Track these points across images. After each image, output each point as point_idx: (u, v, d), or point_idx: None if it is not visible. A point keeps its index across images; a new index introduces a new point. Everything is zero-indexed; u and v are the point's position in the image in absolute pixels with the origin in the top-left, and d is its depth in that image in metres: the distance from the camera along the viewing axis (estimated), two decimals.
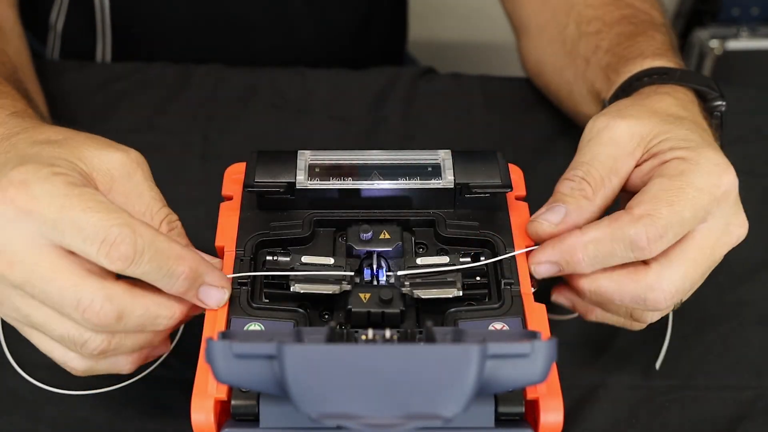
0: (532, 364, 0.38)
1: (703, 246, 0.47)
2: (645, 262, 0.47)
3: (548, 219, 0.48)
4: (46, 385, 0.53)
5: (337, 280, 0.46)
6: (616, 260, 0.46)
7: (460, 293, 0.47)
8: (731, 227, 0.48)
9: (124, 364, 0.46)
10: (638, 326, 0.51)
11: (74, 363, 0.45)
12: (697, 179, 0.46)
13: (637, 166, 0.49)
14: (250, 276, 0.47)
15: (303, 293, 0.46)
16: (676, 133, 0.48)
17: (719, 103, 0.55)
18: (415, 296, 0.46)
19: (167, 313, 0.44)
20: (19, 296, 0.43)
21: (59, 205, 0.41)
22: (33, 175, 0.42)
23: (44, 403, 0.52)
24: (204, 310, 0.46)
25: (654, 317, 0.50)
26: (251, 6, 0.82)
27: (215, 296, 0.45)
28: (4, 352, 0.54)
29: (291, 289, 0.46)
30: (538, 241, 0.48)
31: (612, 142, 0.49)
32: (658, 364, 0.54)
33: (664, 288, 0.46)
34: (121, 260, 0.41)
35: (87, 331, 0.43)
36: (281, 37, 0.85)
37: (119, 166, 0.45)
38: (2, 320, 0.56)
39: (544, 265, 0.47)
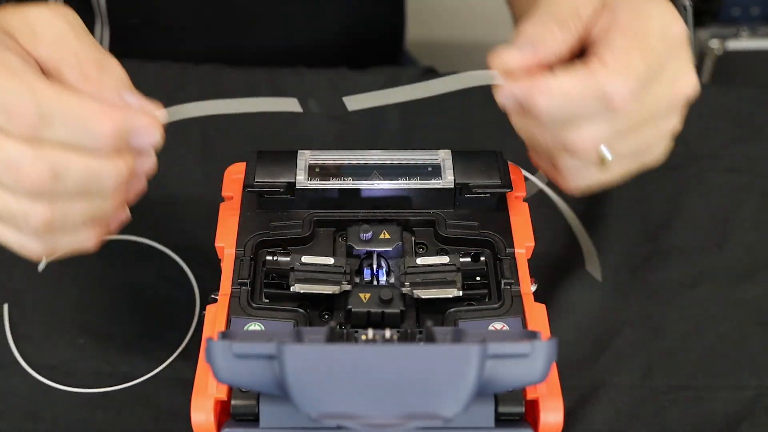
0: (532, 364, 0.38)
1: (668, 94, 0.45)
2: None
3: (515, 50, 0.45)
4: (53, 381, 0.53)
5: (337, 281, 0.46)
6: (582, 118, 0.44)
7: (460, 293, 0.47)
8: (684, 76, 0.46)
9: (84, 239, 0.44)
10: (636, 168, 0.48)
11: (30, 245, 0.43)
12: (654, 29, 0.44)
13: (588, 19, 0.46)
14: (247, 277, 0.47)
15: (303, 293, 0.46)
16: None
17: None
18: (415, 296, 0.46)
19: (109, 169, 0.41)
20: None
21: None
22: None
23: (44, 403, 0.52)
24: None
25: (656, 152, 0.48)
26: (249, 1, 0.82)
27: (148, 140, 0.43)
28: (5, 351, 0.54)
29: (291, 289, 0.46)
30: (505, 75, 0.46)
31: None
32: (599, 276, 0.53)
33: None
34: (26, 127, 0.39)
35: (25, 200, 0.40)
36: (278, 32, 0.85)
37: (42, 20, 0.43)
38: (9, 320, 0.56)
39: (507, 94, 0.45)
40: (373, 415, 0.37)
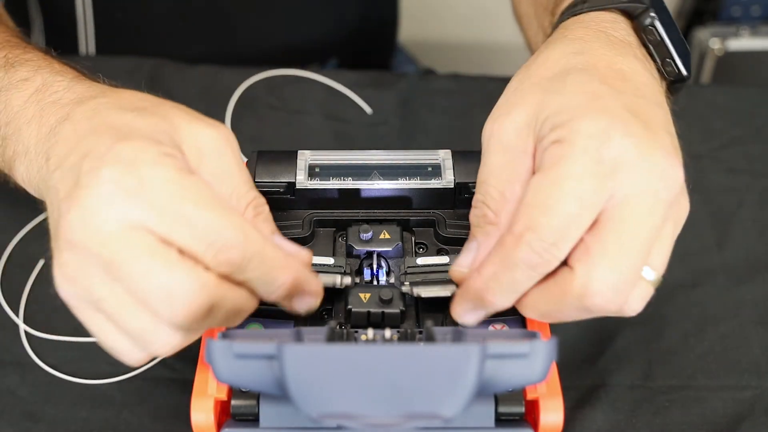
0: (532, 364, 0.38)
1: (623, 227, 0.40)
2: (566, 263, 0.41)
3: (461, 263, 0.44)
4: (53, 380, 0.53)
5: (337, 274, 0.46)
6: (528, 283, 0.41)
7: None
8: (659, 191, 0.40)
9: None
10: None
11: (135, 355, 0.41)
12: (573, 165, 0.40)
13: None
14: None
15: None
16: (556, 103, 0.42)
17: (649, 16, 0.48)
18: (415, 294, 0.46)
19: (250, 308, 0.41)
20: (99, 275, 0.39)
21: (170, 194, 0.38)
22: (142, 154, 0.39)
23: (44, 403, 0.52)
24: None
25: (632, 309, 0.42)
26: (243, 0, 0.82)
27: (308, 303, 0.43)
28: (5, 351, 0.55)
29: None
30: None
31: (501, 149, 0.43)
32: None
33: (596, 291, 0.40)
34: (227, 265, 0.39)
35: (162, 326, 0.39)
36: (275, 31, 0.84)
37: (209, 142, 0.42)
38: (24, 323, 0.56)
39: (467, 315, 0.44)
40: (373, 414, 0.37)
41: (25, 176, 0.46)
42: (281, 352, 0.37)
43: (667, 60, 0.49)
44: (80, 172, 0.39)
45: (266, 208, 0.44)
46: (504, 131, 0.44)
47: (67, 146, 0.41)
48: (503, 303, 0.43)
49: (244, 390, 0.43)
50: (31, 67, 0.48)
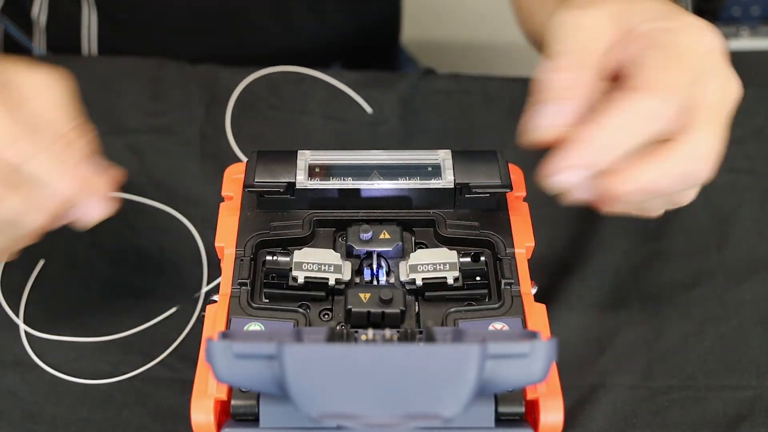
0: (532, 364, 0.38)
1: (714, 105, 0.44)
2: (665, 142, 0.43)
3: (547, 119, 0.44)
4: (53, 380, 0.53)
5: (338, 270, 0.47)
6: (643, 141, 0.43)
7: (460, 279, 0.47)
8: (728, 84, 0.46)
9: None
10: (666, 208, 0.48)
11: None
12: (688, 43, 0.44)
13: (613, 48, 0.45)
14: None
15: (303, 285, 0.46)
16: (647, 6, 0.46)
17: None
18: (415, 282, 0.46)
19: (29, 220, 0.45)
20: None
21: None
22: None
23: (44, 403, 0.52)
24: None
25: (691, 196, 0.47)
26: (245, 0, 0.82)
27: (94, 212, 0.47)
28: (5, 351, 0.55)
29: (290, 277, 0.46)
30: (541, 147, 0.44)
31: (581, 27, 0.45)
32: None
33: (703, 152, 0.43)
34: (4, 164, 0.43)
35: None
36: (274, 31, 0.84)
37: (34, 83, 0.47)
38: (24, 323, 0.56)
39: (571, 171, 0.43)
40: (373, 414, 0.37)
41: None
42: (281, 352, 0.37)
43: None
44: None
45: (85, 141, 0.47)
46: (583, 16, 0.45)
47: None
48: (618, 158, 0.43)
49: (244, 390, 0.43)
50: None
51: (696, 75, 0.44)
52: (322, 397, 0.37)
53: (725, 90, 0.45)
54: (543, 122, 0.44)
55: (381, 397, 0.37)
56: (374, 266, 0.49)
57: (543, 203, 0.53)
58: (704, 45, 0.45)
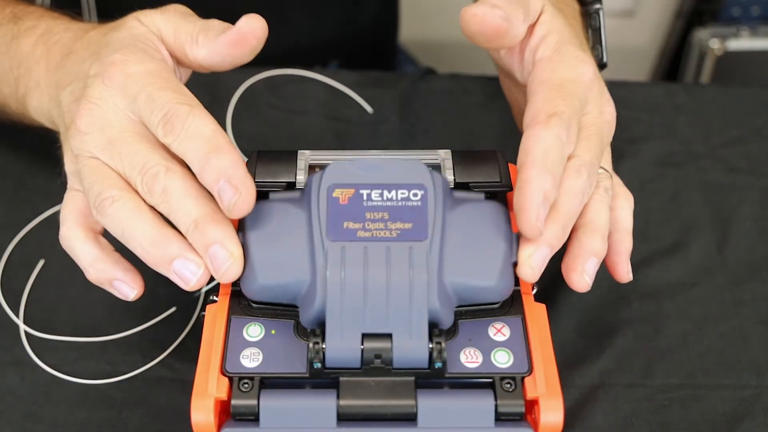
0: None
1: (593, 132, 0.48)
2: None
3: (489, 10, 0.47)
4: (53, 380, 0.53)
5: None
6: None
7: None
8: (604, 108, 0.49)
9: None
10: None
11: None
12: (567, 73, 0.47)
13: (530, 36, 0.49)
14: None
15: None
16: (556, 20, 0.50)
17: (597, 6, 0.58)
18: None
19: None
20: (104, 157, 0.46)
21: (141, 83, 0.46)
22: (131, 57, 0.47)
23: (44, 403, 0.52)
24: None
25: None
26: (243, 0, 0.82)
27: (240, 202, 0.45)
28: (5, 351, 0.55)
29: None
30: (485, 36, 0.47)
31: None
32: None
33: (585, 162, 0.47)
34: (172, 134, 0.44)
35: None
36: (273, 31, 0.85)
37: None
38: (24, 323, 0.56)
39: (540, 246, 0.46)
40: None
41: (37, 107, 0.54)
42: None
43: (597, 46, 0.58)
44: (86, 81, 0.48)
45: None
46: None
47: (73, 70, 0.50)
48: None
49: (244, 390, 0.43)
50: (35, 17, 0.57)
51: (580, 103, 0.47)
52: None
53: (602, 113, 0.49)
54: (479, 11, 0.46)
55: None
56: None
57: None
58: (584, 75, 0.48)
